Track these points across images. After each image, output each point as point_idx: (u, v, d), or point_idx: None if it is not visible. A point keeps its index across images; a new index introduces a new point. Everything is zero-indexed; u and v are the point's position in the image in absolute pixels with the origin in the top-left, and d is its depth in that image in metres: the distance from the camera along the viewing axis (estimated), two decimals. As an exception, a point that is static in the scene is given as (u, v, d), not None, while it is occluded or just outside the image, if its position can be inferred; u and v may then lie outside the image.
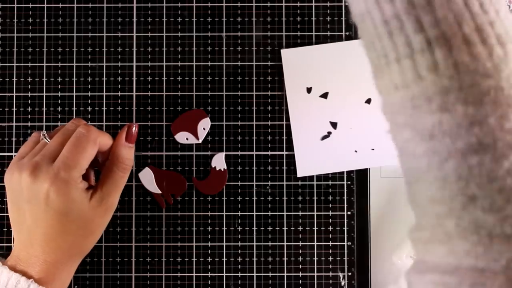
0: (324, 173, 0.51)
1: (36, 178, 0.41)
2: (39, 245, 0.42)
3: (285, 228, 0.51)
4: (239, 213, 0.51)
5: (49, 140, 0.44)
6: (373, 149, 0.51)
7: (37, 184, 0.41)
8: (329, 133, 0.51)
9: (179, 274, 0.50)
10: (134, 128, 0.47)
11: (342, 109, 0.51)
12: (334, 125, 0.51)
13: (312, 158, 0.51)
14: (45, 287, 0.41)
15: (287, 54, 0.51)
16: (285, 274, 0.51)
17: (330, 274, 0.51)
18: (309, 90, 0.51)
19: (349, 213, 0.51)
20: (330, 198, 0.51)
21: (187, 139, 0.50)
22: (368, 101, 0.51)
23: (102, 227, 0.45)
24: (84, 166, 0.43)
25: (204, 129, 0.50)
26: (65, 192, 0.41)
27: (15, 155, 0.46)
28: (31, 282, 0.40)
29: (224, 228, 0.51)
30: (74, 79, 0.51)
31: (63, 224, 0.42)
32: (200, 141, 0.51)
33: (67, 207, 0.42)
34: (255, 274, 0.50)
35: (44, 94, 0.51)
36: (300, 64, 0.51)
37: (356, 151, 0.51)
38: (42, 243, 0.42)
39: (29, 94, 0.51)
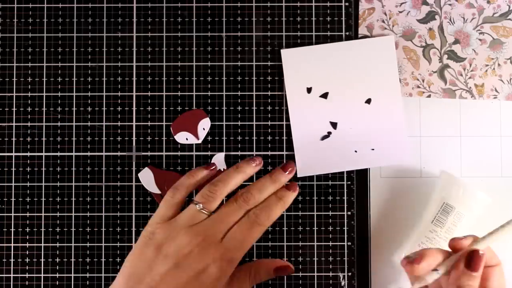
0: (324, 173, 0.51)
1: (204, 250, 0.40)
2: None
3: (285, 228, 0.51)
4: (239, 213, 0.51)
5: (206, 212, 0.43)
6: (373, 149, 0.51)
7: (202, 255, 0.40)
8: (329, 133, 0.51)
9: (179, 274, 0.50)
10: (288, 271, 0.47)
11: (342, 109, 0.51)
12: (334, 125, 0.51)
13: (312, 159, 0.51)
14: None
15: (287, 54, 0.51)
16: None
17: (330, 274, 0.51)
18: (309, 90, 0.51)
19: (349, 213, 0.51)
20: (330, 198, 0.51)
21: (187, 139, 0.50)
22: (368, 101, 0.51)
23: None
24: (247, 252, 0.43)
25: (204, 129, 0.50)
26: (226, 272, 0.41)
27: (151, 216, 0.45)
28: None
29: (224, 228, 0.51)
30: (74, 79, 0.51)
31: None
32: (200, 141, 0.51)
33: (213, 286, 0.40)
34: (255, 274, 0.50)
35: (44, 94, 0.51)
36: (300, 64, 0.51)
37: (356, 151, 0.51)
38: None
39: (29, 94, 0.51)
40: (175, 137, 0.50)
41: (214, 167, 0.47)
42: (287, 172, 0.47)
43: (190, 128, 0.50)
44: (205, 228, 0.42)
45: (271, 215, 0.45)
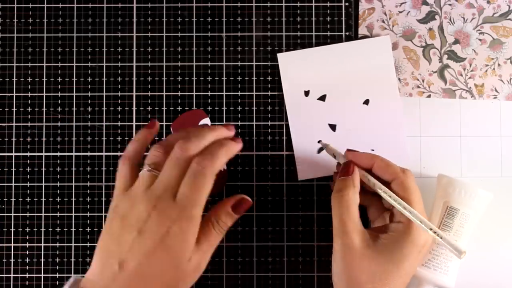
0: (324, 176, 0.51)
1: (161, 213, 0.40)
2: (122, 278, 0.39)
3: (285, 228, 0.51)
4: (239, 213, 0.51)
5: (157, 173, 0.42)
6: (373, 150, 0.51)
7: (160, 218, 0.40)
8: (321, 149, 0.50)
9: (179, 274, 0.50)
10: (246, 203, 0.44)
11: (340, 111, 0.51)
12: (333, 127, 0.51)
13: (313, 162, 0.51)
14: None
15: (283, 58, 0.51)
16: (285, 274, 0.50)
17: (330, 274, 0.50)
18: (306, 93, 0.51)
19: (349, 213, 0.51)
20: (330, 198, 0.51)
21: None
22: (366, 102, 0.51)
23: (189, 285, 0.42)
24: (204, 204, 0.41)
25: None
26: (189, 231, 0.40)
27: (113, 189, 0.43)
28: None
29: (224, 228, 0.51)
30: (74, 79, 0.51)
31: (162, 265, 0.40)
32: None
33: (181, 247, 0.40)
34: (255, 274, 0.50)
35: (44, 94, 0.51)
36: (297, 68, 0.51)
37: (356, 152, 0.51)
38: (127, 277, 0.39)
39: (29, 94, 0.51)
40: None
41: (154, 124, 0.45)
42: (228, 129, 0.45)
43: None
44: (155, 190, 0.41)
45: (215, 162, 0.42)
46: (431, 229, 0.39)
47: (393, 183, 0.42)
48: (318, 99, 0.51)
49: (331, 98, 0.51)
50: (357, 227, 0.41)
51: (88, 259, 0.50)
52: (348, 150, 0.45)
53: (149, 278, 0.40)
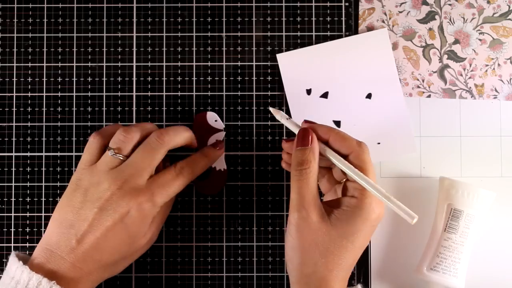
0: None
1: (126, 193, 0.42)
2: (80, 251, 0.42)
3: (285, 228, 0.51)
4: (239, 213, 0.51)
5: (121, 156, 0.44)
6: (379, 143, 0.51)
7: (124, 199, 0.42)
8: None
9: (179, 274, 0.50)
10: (219, 149, 0.48)
11: (344, 107, 0.51)
12: (337, 123, 0.51)
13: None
14: None
15: (283, 58, 0.51)
16: (285, 274, 0.50)
17: (330, 274, 0.50)
18: (308, 91, 0.51)
19: (349, 213, 0.51)
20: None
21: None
22: (369, 96, 0.51)
23: (143, 246, 0.46)
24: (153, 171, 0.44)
25: (216, 140, 0.50)
26: (150, 214, 0.43)
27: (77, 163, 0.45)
28: (53, 284, 0.40)
29: (224, 228, 0.51)
30: (74, 79, 0.51)
31: (119, 241, 0.42)
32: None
33: (138, 227, 0.43)
34: (255, 274, 0.50)
35: (44, 94, 0.51)
36: (297, 67, 0.51)
37: (361, 148, 0.51)
38: (84, 250, 0.42)
39: (29, 94, 0.51)
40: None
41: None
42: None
43: (203, 136, 0.50)
44: (122, 172, 0.43)
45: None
46: (387, 197, 0.40)
47: (350, 156, 0.42)
48: (320, 96, 0.51)
49: (333, 95, 0.51)
50: (316, 201, 0.41)
51: (88, 259, 0.50)
52: (306, 121, 0.44)
53: (104, 251, 0.42)
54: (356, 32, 0.52)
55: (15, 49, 0.51)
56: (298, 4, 0.52)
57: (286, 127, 0.51)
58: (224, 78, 0.51)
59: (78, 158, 0.51)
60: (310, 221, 0.40)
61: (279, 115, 0.45)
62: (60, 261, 0.41)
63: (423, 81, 0.51)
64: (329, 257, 0.40)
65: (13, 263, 0.41)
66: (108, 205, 0.42)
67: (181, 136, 0.46)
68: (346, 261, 0.41)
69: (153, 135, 0.44)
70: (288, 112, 0.51)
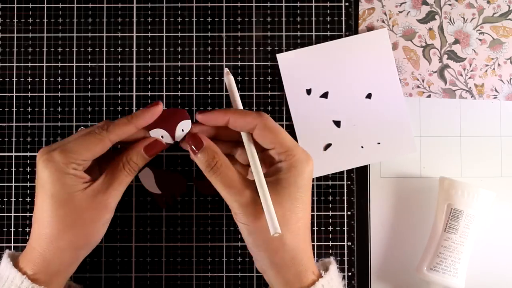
0: (334, 172, 0.51)
1: (43, 166, 0.41)
2: (43, 234, 0.41)
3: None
4: (239, 213, 0.51)
5: None
6: (379, 143, 0.51)
7: (38, 167, 0.41)
8: (329, 145, 0.51)
9: (179, 274, 0.50)
10: (158, 146, 0.45)
11: (344, 107, 0.51)
12: (337, 123, 0.51)
13: (321, 159, 0.50)
14: (38, 284, 0.40)
15: (283, 58, 0.51)
16: (285, 274, 0.50)
17: (330, 274, 0.50)
18: (308, 91, 0.51)
19: (349, 213, 0.51)
20: (330, 198, 0.51)
21: (162, 136, 0.47)
22: (369, 95, 0.51)
23: (96, 224, 0.42)
24: (83, 157, 0.41)
25: (183, 130, 0.47)
26: (54, 172, 0.41)
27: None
28: (24, 278, 0.40)
29: (224, 228, 0.51)
30: (74, 79, 0.51)
31: (54, 209, 0.41)
32: (174, 142, 0.48)
33: (58, 190, 0.41)
34: (255, 274, 0.50)
35: (44, 94, 0.51)
36: (297, 67, 0.51)
37: (362, 147, 0.51)
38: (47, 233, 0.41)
39: (29, 94, 0.51)
40: (149, 132, 0.45)
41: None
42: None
43: (168, 126, 0.48)
44: (50, 147, 0.42)
45: (117, 129, 0.43)
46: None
47: (256, 129, 0.42)
48: (320, 96, 0.51)
49: (333, 95, 0.51)
50: (244, 182, 0.41)
51: (87, 259, 0.50)
52: (200, 113, 0.44)
53: (52, 228, 0.41)
54: (356, 32, 0.52)
55: (15, 49, 0.51)
56: (298, 4, 0.52)
57: (287, 127, 0.51)
58: (224, 78, 0.51)
59: (78, 158, 0.51)
60: (250, 201, 0.41)
61: (227, 79, 0.45)
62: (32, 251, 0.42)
63: (423, 81, 0.51)
64: (290, 226, 0.41)
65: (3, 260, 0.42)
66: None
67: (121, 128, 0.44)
68: (302, 222, 0.41)
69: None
70: (288, 112, 0.51)
